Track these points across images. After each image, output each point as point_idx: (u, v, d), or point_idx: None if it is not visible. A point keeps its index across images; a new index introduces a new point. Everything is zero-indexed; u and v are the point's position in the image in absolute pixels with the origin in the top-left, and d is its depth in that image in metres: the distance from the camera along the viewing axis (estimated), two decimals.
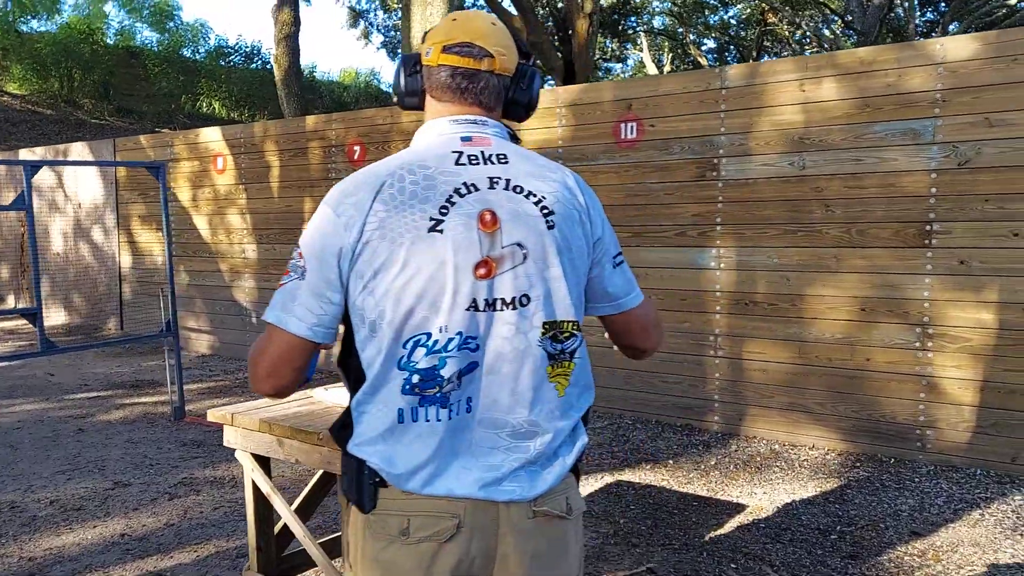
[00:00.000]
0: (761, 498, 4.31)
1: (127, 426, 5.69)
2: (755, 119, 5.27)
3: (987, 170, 4.43)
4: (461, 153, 1.41)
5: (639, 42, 27.06)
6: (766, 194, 5.25)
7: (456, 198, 1.36)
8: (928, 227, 4.65)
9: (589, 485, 4.50)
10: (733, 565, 3.51)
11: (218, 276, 8.38)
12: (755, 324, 5.36)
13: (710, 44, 27.85)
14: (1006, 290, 4.43)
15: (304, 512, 3.17)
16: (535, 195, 1.41)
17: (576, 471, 1.51)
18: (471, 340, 1.35)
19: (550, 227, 1.40)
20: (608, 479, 4.61)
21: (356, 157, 7.22)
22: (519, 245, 1.37)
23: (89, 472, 4.69)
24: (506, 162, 1.43)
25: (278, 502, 2.84)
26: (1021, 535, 3.79)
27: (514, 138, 1.53)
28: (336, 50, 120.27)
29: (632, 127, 5.81)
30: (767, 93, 5.20)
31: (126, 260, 9.36)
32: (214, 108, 19.97)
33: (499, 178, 1.40)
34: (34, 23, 19.22)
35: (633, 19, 25.39)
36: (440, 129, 1.46)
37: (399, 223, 1.33)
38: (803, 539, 3.77)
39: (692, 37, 26.41)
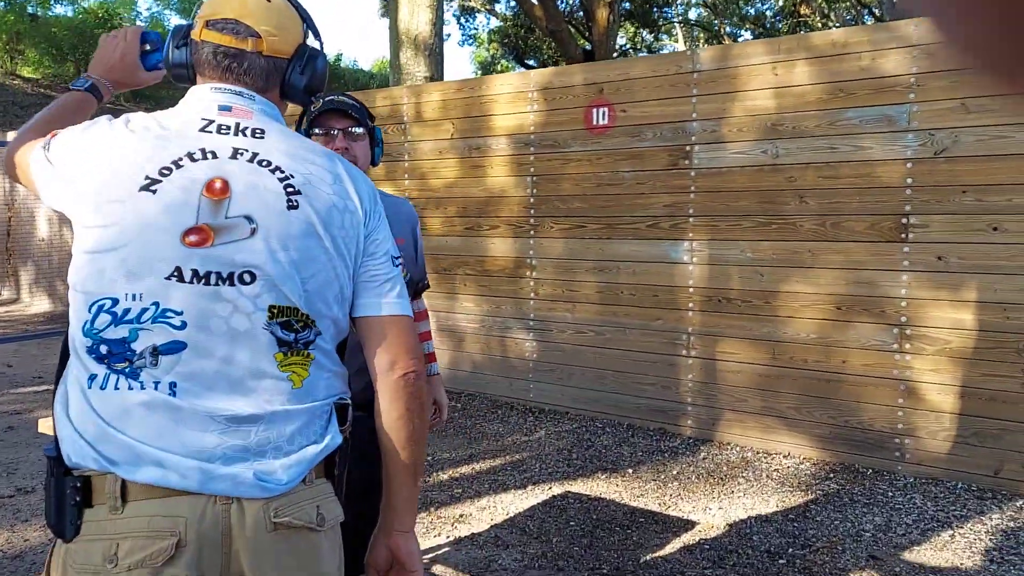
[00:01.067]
0: (715, 514, 4.02)
1: None
2: (727, 104, 4.92)
3: (965, 159, 4.05)
4: (212, 121, 1.34)
5: (674, 33, 26.52)
6: (740, 184, 4.91)
7: (186, 161, 1.28)
8: (905, 220, 4.29)
9: (532, 496, 4.25)
10: None
11: None
12: (729, 322, 5.04)
13: (746, 36, 27.17)
14: (986, 288, 4.06)
15: None
16: (283, 172, 1.32)
17: (333, 476, 1.36)
18: (172, 314, 1.22)
19: (292, 207, 1.30)
20: (556, 490, 4.35)
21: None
22: (248, 219, 1.27)
23: None
24: (261, 137, 1.35)
25: None
26: (991, 561, 3.46)
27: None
28: (372, 38, 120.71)
29: (604, 112, 5.49)
30: (739, 77, 4.85)
31: None
32: None
33: (245, 150, 1.32)
34: (58, 8, 19.29)
35: (669, 9, 24.82)
36: (200, 95, 1.39)
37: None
38: (749, 563, 3.48)
39: (728, 29, 25.77)
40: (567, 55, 13.75)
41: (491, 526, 3.92)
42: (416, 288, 2.51)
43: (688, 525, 3.89)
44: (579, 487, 4.37)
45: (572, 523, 3.91)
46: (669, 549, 3.63)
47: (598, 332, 5.57)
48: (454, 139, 6.24)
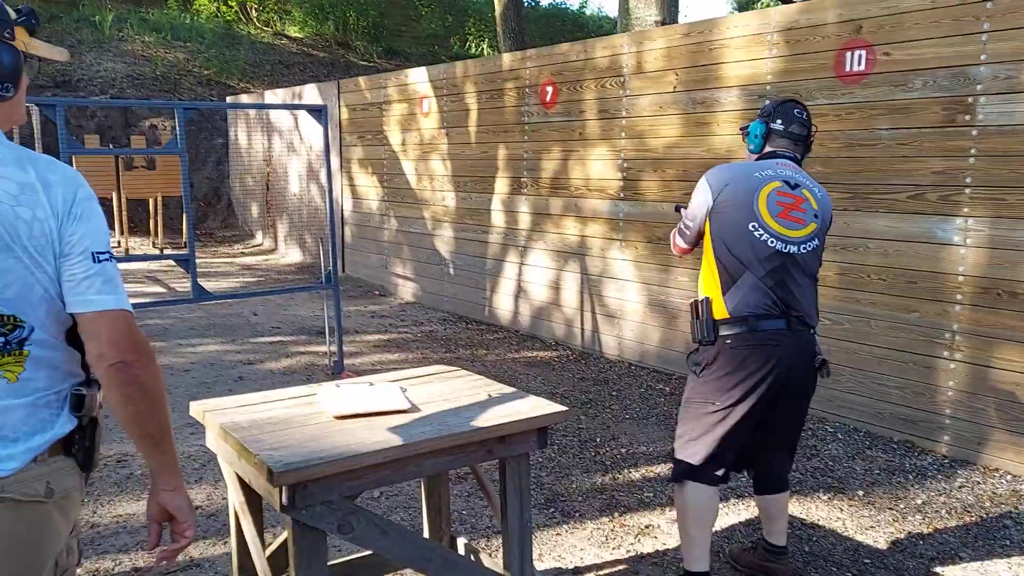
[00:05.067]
0: (968, 564, 3.12)
1: (284, 376, 5.61)
2: None
3: None
4: None
5: None
6: None
7: None
8: None
9: (734, 512, 3.56)
10: None
11: (421, 223, 8.18)
12: (1010, 322, 3.98)
13: None
14: None
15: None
16: None
17: (72, 454, 1.55)
18: None
19: None
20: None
21: (548, 99, 6.52)
22: None
23: None
24: None
25: (248, 532, 2.34)
26: None
27: None
28: None
29: (860, 56, 4.53)
30: None
31: (347, 203, 9.52)
32: (482, 49, 20.10)
33: None
34: None
35: None
36: None
37: None
38: None
39: None
40: None
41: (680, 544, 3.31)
42: None
43: None
44: (793, 506, 3.62)
45: None
46: None
47: (835, 321, 4.68)
48: (676, 92, 5.52)
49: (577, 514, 3.60)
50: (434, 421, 2.28)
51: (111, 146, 11.92)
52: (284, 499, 2.02)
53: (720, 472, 2.80)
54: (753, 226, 2.71)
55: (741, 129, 3.08)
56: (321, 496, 2.07)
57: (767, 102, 3.06)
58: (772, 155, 2.90)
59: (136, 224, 11.77)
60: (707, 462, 2.77)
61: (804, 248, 2.74)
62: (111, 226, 11.53)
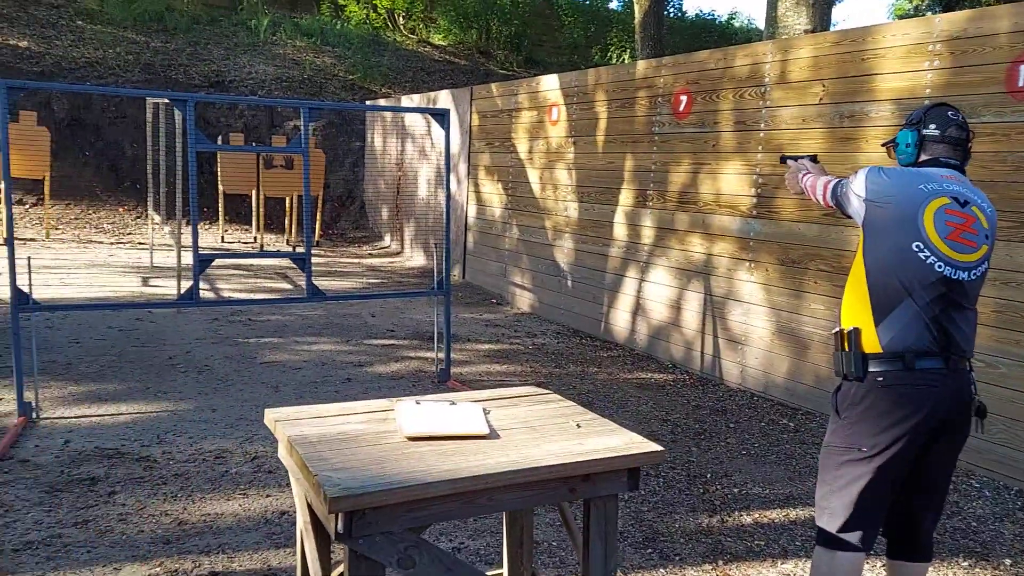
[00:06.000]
0: None
1: (391, 381, 5.53)
2: None
3: None
4: None
5: None
6: None
7: None
8: None
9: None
10: None
11: (542, 233, 7.99)
12: None
13: None
14: None
15: None
16: None
17: None
18: None
19: None
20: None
21: (682, 109, 6.19)
22: None
23: None
24: None
25: (310, 554, 2.19)
26: None
27: None
28: None
29: None
30: None
31: (472, 210, 9.46)
32: (623, 59, 19.81)
33: None
34: None
35: None
36: None
37: None
38: None
39: None
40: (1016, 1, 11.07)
41: None
42: None
43: None
44: (928, 572, 3.18)
45: None
46: None
47: (990, 363, 4.14)
48: (822, 104, 5.08)
49: (677, 557, 3.28)
50: (512, 451, 2.06)
51: (254, 144, 12.39)
52: (340, 526, 1.86)
53: (866, 536, 2.44)
54: (918, 246, 2.33)
55: (885, 144, 2.71)
56: (381, 526, 1.89)
57: (912, 111, 2.67)
58: (934, 162, 2.52)
59: (273, 222, 12.18)
60: (852, 523, 2.42)
61: (973, 275, 2.36)
62: (249, 222, 12.00)
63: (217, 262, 9.42)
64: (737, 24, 24.20)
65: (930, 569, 3.22)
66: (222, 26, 15.95)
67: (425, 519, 1.97)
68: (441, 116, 5.42)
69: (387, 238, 12.27)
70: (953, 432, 2.42)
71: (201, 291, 4.80)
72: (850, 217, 2.57)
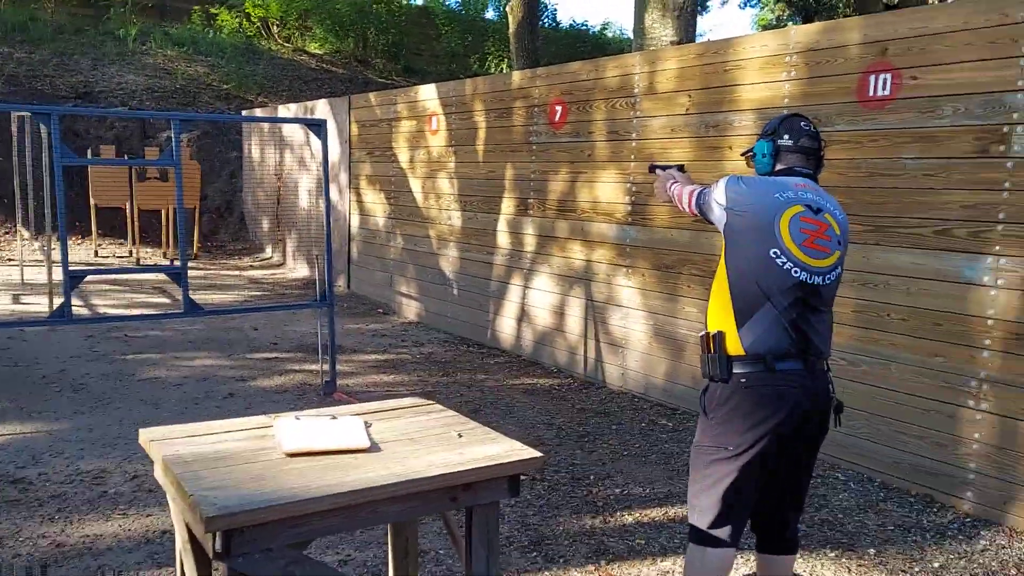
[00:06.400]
0: None
1: (276, 395, 5.39)
2: None
3: None
4: None
5: None
6: None
7: None
8: None
9: (734, 568, 3.27)
10: None
11: (427, 242, 7.97)
12: None
13: None
14: None
15: None
16: None
17: None
18: None
19: None
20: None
21: (557, 119, 6.31)
22: None
23: None
24: None
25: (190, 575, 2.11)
26: None
27: None
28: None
29: (885, 80, 4.29)
30: None
31: (355, 220, 9.34)
32: (501, 68, 19.98)
33: None
34: None
35: None
36: None
37: None
38: None
39: None
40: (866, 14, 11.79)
41: None
42: None
43: None
44: (796, 563, 3.34)
45: None
46: None
47: (851, 362, 4.40)
48: (689, 114, 5.29)
49: (562, 559, 3.33)
50: (393, 463, 2.05)
51: (126, 156, 11.83)
52: (218, 545, 1.80)
53: (735, 532, 2.53)
54: (775, 252, 2.45)
55: (744, 154, 2.85)
56: (261, 543, 1.84)
57: (768, 121, 2.82)
58: (789, 171, 2.66)
59: (149, 235, 11.65)
60: (721, 519, 2.51)
61: (828, 279, 2.50)
62: (124, 236, 11.42)
63: (92, 277, 8.92)
64: (610, 34, 24.85)
65: (798, 561, 3.39)
66: (89, 35, 15.17)
67: (307, 535, 1.93)
68: (318, 127, 5.34)
69: (269, 250, 11.95)
70: (813, 430, 2.55)
71: (75, 307, 4.57)
72: (713, 224, 2.69)
